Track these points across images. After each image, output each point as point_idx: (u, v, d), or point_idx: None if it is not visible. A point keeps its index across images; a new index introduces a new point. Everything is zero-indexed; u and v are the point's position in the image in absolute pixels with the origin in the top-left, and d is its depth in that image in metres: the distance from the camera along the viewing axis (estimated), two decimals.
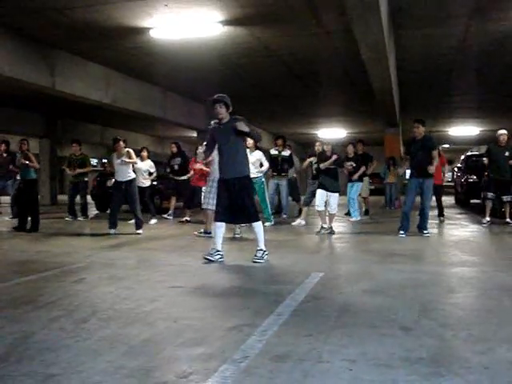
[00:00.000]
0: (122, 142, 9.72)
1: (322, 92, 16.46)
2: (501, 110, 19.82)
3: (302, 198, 12.55)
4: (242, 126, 6.14)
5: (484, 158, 11.19)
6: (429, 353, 3.05)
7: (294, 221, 11.52)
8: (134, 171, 10.00)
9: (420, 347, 3.15)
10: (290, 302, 4.28)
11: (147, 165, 12.46)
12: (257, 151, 10.39)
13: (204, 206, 8.86)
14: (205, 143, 6.83)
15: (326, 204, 9.70)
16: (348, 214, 13.24)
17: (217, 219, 6.47)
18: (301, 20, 9.48)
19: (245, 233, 8.96)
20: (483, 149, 29.24)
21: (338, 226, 10.72)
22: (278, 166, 12.37)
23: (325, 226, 9.74)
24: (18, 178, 10.35)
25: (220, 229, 6.45)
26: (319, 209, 9.69)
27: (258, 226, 6.47)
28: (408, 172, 9.54)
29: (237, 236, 8.94)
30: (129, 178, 9.63)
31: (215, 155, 6.99)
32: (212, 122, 6.70)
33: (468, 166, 17.78)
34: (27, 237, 9.38)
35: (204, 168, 10.59)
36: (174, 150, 13.08)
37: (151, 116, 16.34)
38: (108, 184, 15.11)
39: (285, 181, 12.55)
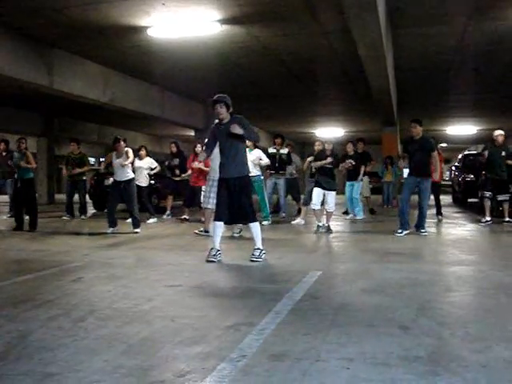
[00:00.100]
0: (122, 142, 9.72)
1: (320, 91, 16.47)
2: (498, 109, 19.84)
3: (302, 197, 12.56)
4: (236, 129, 6.10)
5: (485, 152, 11.08)
6: (427, 351, 3.06)
7: (293, 219, 11.53)
8: (133, 171, 9.99)
9: (418, 346, 3.15)
10: (288, 301, 4.28)
11: (147, 163, 12.45)
12: (256, 150, 10.42)
13: (204, 206, 8.86)
14: (205, 141, 6.81)
15: (324, 202, 9.72)
16: (346, 212, 13.24)
17: (216, 219, 6.48)
18: (299, 19, 9.48)
19: (244, 232, 8.95)
20: (481, 148, 29.31)
21: (336, 224, 10.72)
22: (275, 164, 12.37)
23: (320, 224, 9.76)
24: (16, 177, 10.30)
25: (219, 228, 6.45)
26: (315, 207, 9.71)
27: (255, 226, 6.48)
28: (406, 170, 9.56)
29: (235, 235, 8.93)
30: (127, 178, 9.63)
31: (216, 154, 6.99)
32: (216, 121, 6.72)
33: (465, 165, 17.80)
34: (25, 236, 9.37)
35: (203, 168, 10.62)
36: (174, 149, 13.08)
37: (149, 115, 16.34)
38: (106, 183, 15.21)
39: (283, 179, 12.55)
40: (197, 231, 9.22)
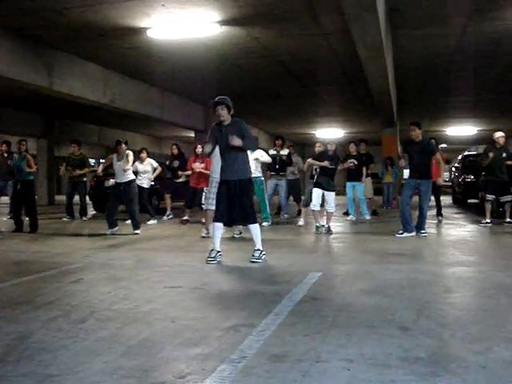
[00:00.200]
0: (124, 145, 9.72)
1: (320, 92, 16.48)
2: (498, 109, 19.85)
3: (302, 198, 12.56)
4: (235, 142, 6.14)
5: (490, 153, 11.01)
6: (426, 352, 3.06)
7: (295, 220, 11.55)
8: (134, 173, 9.97)
9: (418, 347, 3.15)
10: (288, 302, 4.28)
11: (148, 164, 12.43)
12: (257, 150, 10.37)
13: (205, 207, 8.85)
14: (209, 145, 6.78)
15: (324, 203, 9.72)
16: (346, 213, 13.24)
17: (215, 220, 6.48)
18: (299, 20, 9.48)
19: (244, 233, 8.95)
20: (481, 149, 29.32)
21: (336, 225, 10.72)
22: (276, 165, 12.37)
23: (318, 224, 9.78)
24: (15, 178, 10.30)
25: (218, 230, 6.45)
26: (316, 208, 9.71)
27: (255, 227, 6.48)
28: (406, 171, 9.55)
29: (236, 236, 8.92)
30: (128, 179, 9.62)
31: (217, 153, 6.96)
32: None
33: (465, 166, 17.80)
34: (25, 237, 9.37)
35: (203, 171, 10.68)
36: (175, 151, 13.09)
37: (149, 116, 16.34)
38: (106, 184, 15.21)
39: (283, 181, 12.56)
40: (204, 235, 9.09)
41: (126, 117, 17.84)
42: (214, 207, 7.78)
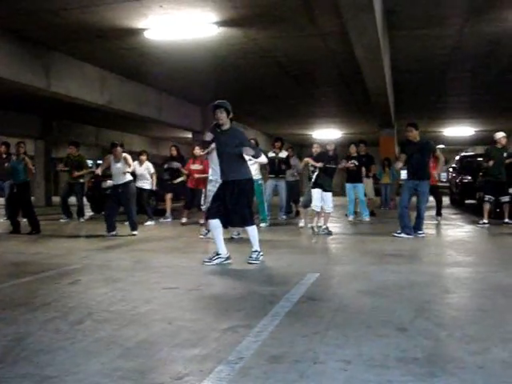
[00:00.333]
0: (119, 147, 9.71)
1: (318, 93, 16.48)
2: (495, 110, 19.88)
3: (301, 199, 12.56)
4: (249, 152, 6.36)
5: (490, 162, 11.01)
6: (424, 353, 3.06)
7: (294, 222, 11.55)
8: (133, 175, 9.97)
9: (415, 347, 3.16)
10: (286, 303, 4.28)
11: (146, 166, 12.42)
12: None
13: (204, 208, 8.83)
14: (209, 133, 6.78)
15: (323, 203, 9.73)
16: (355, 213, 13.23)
17: (209, 217, 6.45)
18: (296, 21, 9.49)
19: (242, 234, 8.94)
20: (478, 149, 29.37)
21: (334, 226, 10.72)
22: (275, 167, 12.38)
23: (314, 225, 9.80)
24: (11, 181, 10.26)
25: (217, 230, 6.39)
26: (318, 209, 9.70)
27: (253, 229, 6.46)
28: (404, 172, 9.54)
29: (235, 237, 8.90)
30: (125, 181, 9.61)
31: (214, 156, 6.98)
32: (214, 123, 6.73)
33: (463, 167, 17.83)
34: (22, 238, 9.36)
35: (201, 175, 10.74)
36: (174, 153, 13.10)
37: (147, 117, 16.33)
38: (103, 185, 15.20)
39: (283, 182, 12.57)
40: (202, 236, 9.08)
41: (123, 118, 17.82)
42: None
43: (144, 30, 9.86)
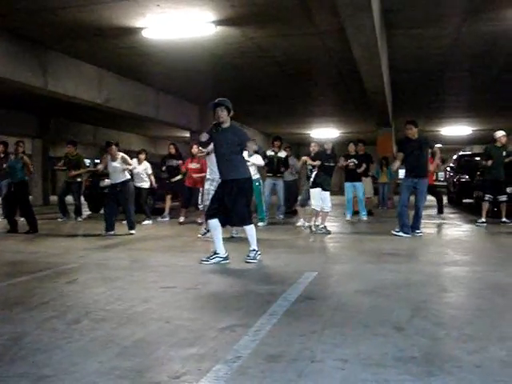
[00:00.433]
0: (114, 146, 9.68)
1: (315, 92, 16.48)
2: (493, 109, 19.89)
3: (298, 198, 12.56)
4: (254, 147, 6.48)
5: (489, 161, 11.02)
6: (421, 352, 3.06)
7: (291, 221, 11.55)
8: (131, 174, 9.95)
9: (412, 346, 3.16)
10: (283, 302, 4.28)
11: (144, 166, 12.40)
12: (254, 155, 10.32)
13: (201, 207, 8.81)
14: (205, 134, 6.77)
15: (321, 202, 9.73)
16: (357, 213, 13.22)
17: (209, 217, 6.44)
18: (294, 20, 9.48)
19: (240, 233, 8.93)
20: (476, 149, 29.40)
21: (331, 225, 10.72)
22: (273, 166, 12.39)
23: (312, 224, 9.80)
24: (9, 180, 10.23)
25: (216, 229, 6.40)
26: (319, 209, 9.69)
27: (251, 228, 6.47)
28: (401, 171, 9.53)
29: (234, 235, 8.88)
30: (123, 179, 9.59)
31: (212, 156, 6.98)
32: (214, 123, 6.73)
33: (460, 166, 17.85)
34: (20, 237, 9.35)
35: (198, 174, 10.78)
36: (172, 151, 13.08)
37: (144, 116, 16.30)
38: (101, 184, 15.19)
39: (281, 181, 12.58)
40: (200, 235, 9.06)
41: (121, 117, 17.81)
42: None
43: (141, 28, 9.85)
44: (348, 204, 12.80)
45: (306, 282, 5.12)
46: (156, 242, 8.85)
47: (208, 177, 8.75)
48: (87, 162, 30.56)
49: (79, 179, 13.51)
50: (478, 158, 11.34)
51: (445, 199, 19.80)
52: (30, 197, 11.90)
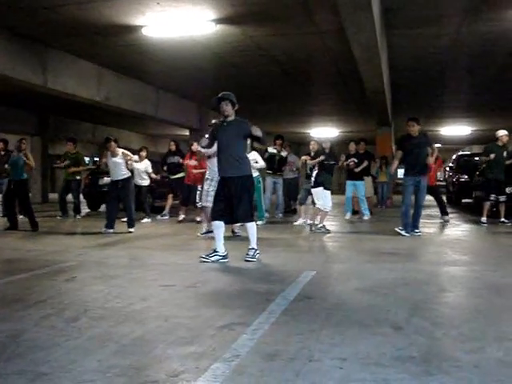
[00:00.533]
0: (113, 142, 9.66)
1: (315, 91, 16.49)
2: (492, 109, 19.89)
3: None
4: (258, 132, 6.23)
5: (491, 155, 10.99)
6: (419, 351, 3.06)
7: (290, 220, 11.55)
8: (131, 171, 9.94)
9: (411, 346, 3.16)
10: (282, 301, 4.28)
11: (145, 164, 12.39)
12: (253, 152, 10.33)
13: (204, 204, 8.80)
14: (206, 136, 6.78)
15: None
16: (356, 212, 13.22)
17: (213, 218, 6.44)
18: (294, 19, 9.48)
19: (243, 232, 8.91)
20: (475, 149, 29.37)
21: (331, 224, 10.72)
22: (274, 165, 12.40)
23: (311, 222, 9.83)
24: (10, 178, 10.21)
25: (219, 229, 6.39)
26: (322, 208, 9.66)
27: (252, 226, 6.47)
28: (400, 171, 9.52)
29: (238, 234, 8.87)
30: (124, 177, 9.58)
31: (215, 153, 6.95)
32: (213, 121, 6.71)
33: (459, 166, 17.85)
34: (18, 235, 9.34)
35: (198, 170, 10.78)
36: (173, 148, 13.05)
37: (144, 114, 16.31)
38: (100, 182, 15.18)
39: (281, 179, 12.60)
40: (200, 234, 9.04)
41: (120, 115, 17.80)
42: (211, 204, 7.73)
43: (141, 27, 9.85)
44: (347, 202, 12.79)
45: (305, 281, 5.12)
46: (155, 240, 8.85)
47: (207, 176, 8.74)
48: (86, 159, 30.55)
49: (78, 177, 13.50)
50: (477, 158, 11.29)
51: (444, 199, 19.87)
52: (30, 195, 11.88)
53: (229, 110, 6.35)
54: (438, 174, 15.44)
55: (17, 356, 3.02)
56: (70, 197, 13.42)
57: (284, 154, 12.71)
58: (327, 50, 11.46)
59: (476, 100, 17.92)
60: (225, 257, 6.36)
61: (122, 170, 9.56)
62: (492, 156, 10.82)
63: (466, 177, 15.84)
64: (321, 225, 9.71)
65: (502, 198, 11.09)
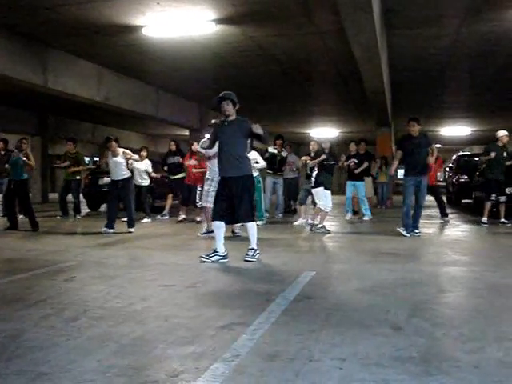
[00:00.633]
0: (114, 142, 9.66)
1: (315, 91, 16.47)
2: (493, 110, 19.89)
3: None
4: (259, 129, 6.21)
5: (492, 153, 10.96)
6: (419, 352, 3.06)
7: (290, 220, 11.55)
8: (131, 171, 9.94)
9: (411, 346, 3.16)
10: (282, 301, 4.28)
11: (145, 164, 12.38)
12: (253, 152, 10.32)
13: (204, 204, 8.80)
14: (207, 136, 6.79)
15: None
16: (356, 212, 13.22)
17: (214, 219, 6.44)
18: (294, 19, 9.47)
19: (243, 232, 8.91)
20: (475, 149, 29.37)
21: (331, 225, 10.72)
22: (274, 165, 12.40)
23: (311, 222, 9.83)
24: (10, 178, 10.20)
25: (220, 229, 6.39)
26: (323, 207, 9.67)
27: (253, 226, 6.46)
28: (400, 171, 9.51)
29: (238, 234, 8.87)
30: (124, 177, 9.58)
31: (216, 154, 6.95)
32: (213, 121, 6.70)
33: (459, 166, 17.85)
34: (18, 235, 9.34)
35: (198, 170, 10.78)
36: (173, 148, 13.03)
37: (144, 114, 16.30)
38: (100, 182, 15.18)
39: (281, 179, 12.60)
40: (200, 234, 9.05)
41: (120, 115, 17.79)
42: (211, 204, 7.73)
43: (141, 27, 9.84)
44: (347, 203, 12.79)
45: (305, 282, 5.12)
46: (155, 240, 8.85)
47: (208, 176, 8.73)
48: (86, 159, 30.53)
49: (78, 177, 13.50)
50: (477, 159, 11.27)
51: (444, 199, 19.87)
52: (30, 194, 11.88)
53: (230, 109, 6.36)
54: (439, 174, 15.42)
55: (16, 356, 3.02)
56: (70, 197, 13.42)
57: (284, 154, 12.72)
58: (327, 50, 11.45)
59: (476, 100, 17.92)
60: (225, 257, 6.35)
61: (122, 169, 9.56)
62: (493, 155, 10.79)
63: (466, 177, 15.84)
64: (321, 225, 9.71)
65: (502, 199, 11.09)
